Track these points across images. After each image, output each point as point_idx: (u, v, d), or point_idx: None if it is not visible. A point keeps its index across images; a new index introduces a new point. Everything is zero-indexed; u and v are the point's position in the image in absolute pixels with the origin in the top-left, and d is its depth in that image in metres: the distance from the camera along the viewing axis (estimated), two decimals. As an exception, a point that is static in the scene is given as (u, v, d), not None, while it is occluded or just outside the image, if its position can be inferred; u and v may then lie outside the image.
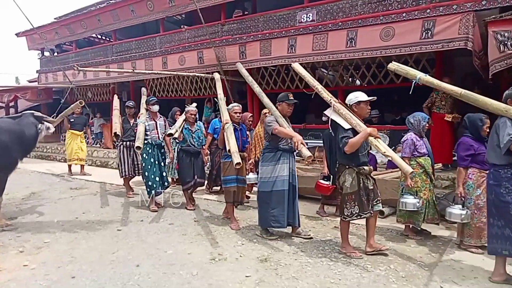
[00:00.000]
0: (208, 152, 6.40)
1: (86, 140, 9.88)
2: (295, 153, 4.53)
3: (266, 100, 4.81)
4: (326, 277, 3.44)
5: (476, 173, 4.04)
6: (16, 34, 14.44)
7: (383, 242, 4.31)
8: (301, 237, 4.53)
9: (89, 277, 3.47)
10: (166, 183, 6.14)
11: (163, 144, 6.08)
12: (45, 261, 3.85)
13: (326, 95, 4.25)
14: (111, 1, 11.47)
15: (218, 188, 6.80)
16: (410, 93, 3.95)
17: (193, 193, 6.12)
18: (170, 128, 5.78)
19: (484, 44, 5.66)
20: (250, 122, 6.41)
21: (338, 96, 8.14)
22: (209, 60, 9.05)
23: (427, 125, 4.64)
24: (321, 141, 5.73)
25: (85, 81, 12.52)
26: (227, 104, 5.22)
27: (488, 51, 5.13)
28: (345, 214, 3.87)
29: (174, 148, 6.63)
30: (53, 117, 5.80)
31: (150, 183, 5.85)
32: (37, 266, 3.72)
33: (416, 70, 3.88)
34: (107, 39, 14.39)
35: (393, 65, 4.01)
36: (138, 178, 7.07)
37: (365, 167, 3.87)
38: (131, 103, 6.97)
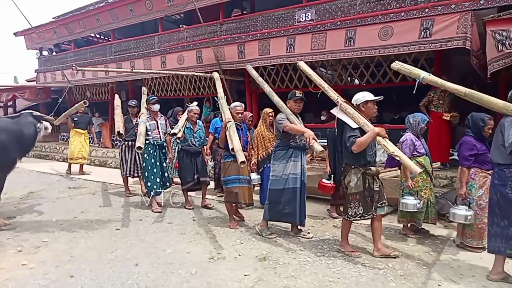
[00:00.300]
0: (209, 151, 6.36)
1: (90, 139, 9.85)
2: (306, 150, 4.52)
3: (276, 98, 4.74)
4: (324, 276, 3.45)
5: (478, 173, 4.01)
6: (14, 34, 14.39)
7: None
8: (300, 236, 4.54)
9: (88, 276, 3.47)
10: (168, 183, 6.08)
11: (165, 144, 6.01)
12: (43, 260, 3.85)
13: (333, 94, 4.24)
14: (109, 1, 11.46)
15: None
16: (414, 92, 3.94)
17: (205, 194, 6.04)
18: (173, 128, 5.74)
19: (482, 44, 5.67)
20: (250, 122, 6.41)
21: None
22: (208, 59, 9.05)
23: (425, 127, 4.64)
24: (323, 141, 5.70)
25: (84, 80, 12.50)
26: (227, 104, 5.20)
27: (486, 50, 5.13)
28: (349, 214, 3.85)
29: (175, 148, 6.63)
30: (51, 116, 5.78)
31: (149, 184, 5.78)
32: (36, 265, 3.72)
33: (420, 70, 3.86)
34: (106, 38, 14.37)
35: (396, 65, 3.99)
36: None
37: (372, 168, 3.83)
38: (133, 102, 6.87)
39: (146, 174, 5.80)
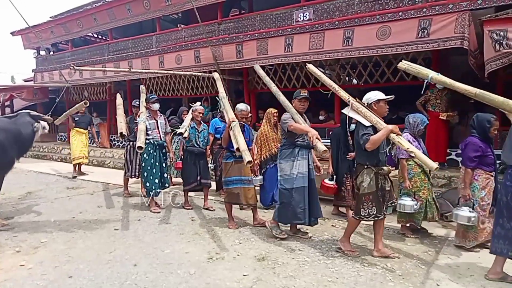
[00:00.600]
0: (209, 153, 6.32)
1: (90, 140, 9.83)
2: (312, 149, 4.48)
3: (282, 98, 4.70)
4: (323, 276, 3.45)
5: (482, 174, 3.98)
6: (11, 33, 14.34)
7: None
8: (298, 236, 4.54)
9: (86, 277, 3.46)
10: (166, 184, 6.02)
11: (165, 144, 5.96)
12: (42, 261, 3.84)
13: (343, 94, 4.21)
14: (107, 0, 11.43)
15: None
16: (422, 92, 3.91)
17: (207, 196, 6.01)
18: (179, 127, 5.68)
19: (479, 43, 5.68)
20: (249, 122, 6.39)
21: (335, 96, 8.18)
22: (206, 59, 9.04)
23: (424, 129, 4.63)
24: (326, 141, 5.67)
25: (81, 80, 12.47)
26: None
27: (483, 50, 5.15)
28: (362, 214, 3.80)
29: (177, 148, 6.61)
30: (49, 116, 5.76)
31: (148, 184, 5.72)
32: (34, 266, 3.71)
33: (428, 69, 3.81)
34: (103, 38, 14.33)
35: (404, 64, 3.96)
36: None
37: (384, 167, 3.81)
38: (137, 102, 6.70)
39: (146, 174, 5.74)
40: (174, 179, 7.47)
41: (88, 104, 7.17)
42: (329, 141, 5.49)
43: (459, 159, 7.00)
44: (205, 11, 8.85)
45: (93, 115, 13.32)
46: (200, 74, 9.14)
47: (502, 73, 6.38)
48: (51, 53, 13.97)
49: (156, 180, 5.74)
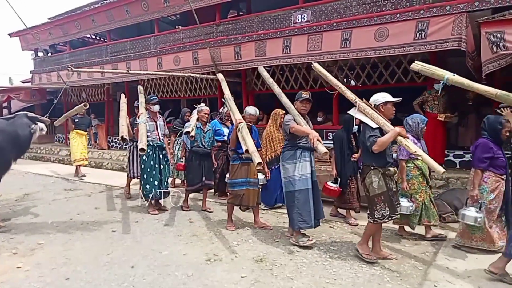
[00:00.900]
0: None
1: (89, 142, 9.79)
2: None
3: (284, 99, 4.67)
4: (321, 277, 3.45)
5: (491, 177, 3.95)
6: (9, 34, 14.33)
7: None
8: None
9: (83, 279, 3.45)
10: (167, 188, 5.87)
11: (164, 145, 5.91)
12: (39, 263, 3.82)
13: (350, 94, 4.17)
14: (105, 1, 11.43)
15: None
16: (438, 94, 3.86)
17: (206, 198, 5.98)
18: (187, 127, 5.62)
19: (477, 45, 5.71)
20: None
21: (333, 97, 8.19)
22: (204, 60, 9.04)
23: (425, 127, 4.60)
24: (329, 143, 5.64)
25: (79, 81, 12.45)
26: (221, 106, 5.16)
27: (481, 52, 5.17)
28: (376, 217, 3.74)
29: (180, 149, 6.57)
30: (46, 118, 5.74)
31: (148, 186, 5.67)
32: (31, 268, 3.69)
33: (444, 70, 3.75)
34: (102, 39, 14.33)
35: (417, 65, 3.90)
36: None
37: (390, 168, 3.79)
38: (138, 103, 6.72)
39: (145, 176, 5.68)
40: (177, 180, 7.46)
41: (88, 107, 7.12)
42: (328, 142, 5.46)
43: (457, 160, 7.04)
44: (203, 12, 8.86)
45: (91, 116, 13.32)
46: (198, 75, 9.15)
47: (499, 75, 6.40)
48: (49, 54, 13.96)
49: (156, 182, 5.68)
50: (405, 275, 3.50)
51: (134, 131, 5.85)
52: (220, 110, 6.75)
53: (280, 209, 5.87)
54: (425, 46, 6.13)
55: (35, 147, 13.58)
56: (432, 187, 4.86)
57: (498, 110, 4.85)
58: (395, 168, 3.95)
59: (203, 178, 5.71)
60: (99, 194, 7.27)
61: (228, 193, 6.63)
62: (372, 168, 3.78)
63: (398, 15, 6.40)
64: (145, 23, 11.22)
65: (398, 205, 3.94)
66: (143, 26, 12.10)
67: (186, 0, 8.31)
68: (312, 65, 4.83)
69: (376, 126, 3.70)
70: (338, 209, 5.54)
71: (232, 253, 4.06)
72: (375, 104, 3.88)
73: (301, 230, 4.32)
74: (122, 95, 6.30)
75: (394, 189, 3.84)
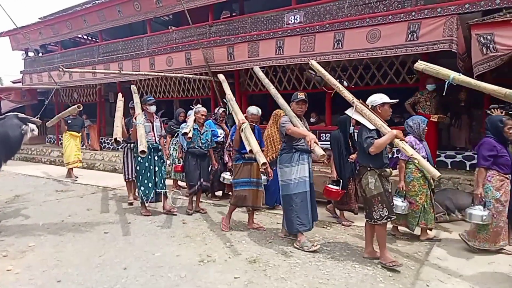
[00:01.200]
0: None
1: (82, 143, 9.66)
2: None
3: (281, 101, 4.61)
4: (314, 278, 3.46)
5: (495, 176, 3.95)
6: (-1, 34, 14.15)
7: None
8: (290, 238, 4.53)
9: (75, 281, 3.42)
10: (159, 189, 5.67)
11: (160, 147, 5.81)
12: (29, 265, 3.78)
13: (347, 94, 4.14)
14: (97, 1, 11.35)
15: (220, 193, 6.71)
16: (443, 94, 3.83)
17: (200, 199, 5.95)
18: (184, 128, 5.55)
19: (467, 47, 5.77)
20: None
21: (326, 97, 8.23)
22: (197, 61, 9.02)
23: (427, 127, 4.58)
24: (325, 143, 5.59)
25: (71, 82, 12.35)
26: (215, 107, 5.14)
27: (471, 54, 5.24)
28: (375, 218, 3.73)
29: (175, 149, 6.52)
30: (37, 118, 5.67)
31: (143, 188, 5.60)
32: (22, 271, 3.65)
33: (448, 70, 3.71)
34: (93, 39, 14.22)
35: (421, 65, 3.86)
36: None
37: (387, 170, 3.79)
38: (134, 104, 6.42)
39: (140, 178, 5.61)
40: (180, 182, 7.42)
41: (81, 108, 7.02)
42: (324, 143, 5.41)
43: (449, 160, 7.10)
44: (196, 13, 8.84)
45: (82, 117, 13.21)
46: (191, 76, 9.12)
47: (489, 76, 6.47)
48: (40, 54, 13.82)
49: (150, 184, 5.61)
50: (397, 274, 3.52)
51: (131, 131, 5.73)
52: (215, 111, 6.72)
53: (273, 210, 5.87)
54: (417, 48, 6.19)
55: (26, 148, 13.42)
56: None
57: (488, 111, 4.92)
58: (391, 169, 3.95)
59: (201, 180, 5.68)
60: (91, 196, 7.21)
61: (211, 196, 6.69)
62: (368, 169, 3.77)
63: (390, 17, 6.45)
64: (137, 23, 11.16)
65: (393, 205, 3.93)
66: (136, 27, 12.04)
67: (179, 0, 8.29)
68: (309, 63, 4.79)
69: (373, 127, 3.70)
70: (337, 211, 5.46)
71: (225, 254, 4.05)
72: (372, 105, 3.86)
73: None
74: (119, 95, 6.21)
75: (390, 190, 3.85)
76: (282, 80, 8.66)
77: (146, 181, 5.61)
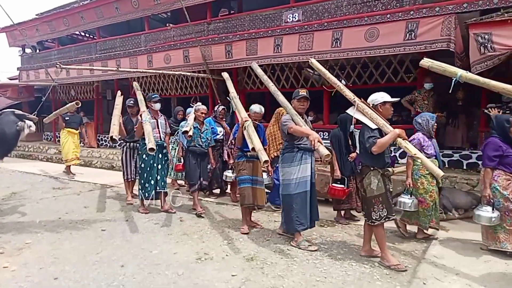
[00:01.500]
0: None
1: (80, 140, 9.58)
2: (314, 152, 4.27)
3: (281, 98, 4.53)
4: (312, 275, 3.47)
5: (501, 175, 3.92)
6: (-5, 30, 14.07)
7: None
8: (287, 236, 4.53)
9: (72, 278, 3.41)
10: (160, 188, 5.64)
11: (164, 144, 5.76)
12: (26, 263, 3.76)
13: (348, 93, 4.04)
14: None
15: (218, 190, 6.70)
16: (450, 92, 3.73)
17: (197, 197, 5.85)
18: (184, 126, 5.51)
19: (465, 46, 5.79)
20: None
21: (324, 96, 8.24)
22: (195, 59, 9.01)
23: (436, 124, 4.53)
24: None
25: (68, 79, 12.30)
26: (212, 105, 5.12)
27: (469, 53, 5.25)
28: (373, 218, 3.69)
29: (174, 148, 6.50)
30: (34, 115, 5.64)
31: (146, 185, 5.56)
32: (18, 268, 3.63)
33: (456, 68, 3.66)
34: (91, 36, 14.16)
35: (427, 62, 3.79)
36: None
37: (389, 169, 3.75)
38: (132, 102, 6.44)
39: (145, 175, 5.57)
40: (179, 181, 7.40)
41: (80, 105, 6.97)
42: (324, 142, 5.36)
43: (446, 159, 7.12)
44: (194, 10, 8.82)
45: (79, 114, 13.16)
46: (189, 74, 9.10)
47: (487, 76, 6.47)
48: (37, 51, 13.75)
49: (152, 182, 5.57)
50: (394, 273, 3.53)
51: (135, 129, 5.69)
52: (215, 109, 6.71)
53: (270, 208, 5.87)
54: (415, 47, 6.20)
55: (22, 145, 13.37)
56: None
57: (486, 111, 4.94)
58: (393, 169, 3.92)
59: (201, 179, 5.66)
60: (89, 193, 7.19)
61: (208, 194, 6.67)
62: (371, 169, 3.72)
63: (388, 16, 6.46)
64: (135, 20, 11.12)
65: (394, 205, 3.88)
66: (133, 24, 12.00)
67: (177, -3, 8.27)
68: (310, 62, 4.70)
69: (375, 127, 3.64)
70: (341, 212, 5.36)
71: (222, 252, 4.05)
72: (373, 104, 3.80)
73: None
74: (119, 93, 6.18)
75: (391, 189, 3.82)
76: (280, 78, 8.66)
77: (149, 179, 5.57)
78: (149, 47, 10.16)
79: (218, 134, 6.32)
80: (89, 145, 12.25)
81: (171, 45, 9.64)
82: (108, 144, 12.32)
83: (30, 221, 5.26)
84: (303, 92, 4.28)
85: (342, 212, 5.32)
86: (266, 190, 5.28)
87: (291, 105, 4.35)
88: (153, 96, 5.73)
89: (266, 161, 3.91)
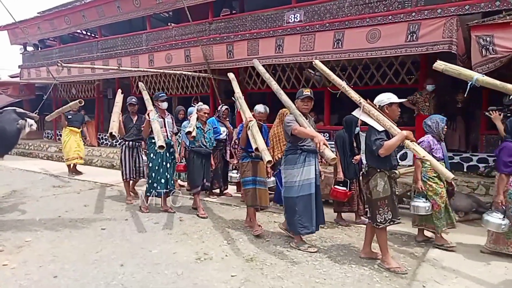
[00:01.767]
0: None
1: (83, 139, 9.54)
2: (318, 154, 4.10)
3: (284, 97, 4.44)
4: (311, 277, 3.46)
5: None
6: (-3, 28, 14.07)
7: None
8: (289, 235, 4.51)
9: (71, 277, 3.41)
10: (170, 187, 5.69)
11: (172, 143, 5.75)
12: (26, 261, 3.77)
13: (354, 94, 3.95)
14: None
15: (218, 190, 6.69)
16: (465, 95, 3.64)
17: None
18: (187, 127, 5.48)
19: (467, 48, 5.77)
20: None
21: (325, 97, 8.24)
22: (196, 58, 9.00)
23: (446, 127, 4.44)
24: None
25: (69, 77, 12.31)
26: (214, 104, 5.12)
27: (471, 55, 5.24)
28: (378, 220, 3.64)
29: (178, 148, 6.53)
30: (35, 113, 5.64)
31: (155, 184, 5.54)
32: (18, 266, 3.64)
33: (471, 71, 3.54)
34: (92, 35, 14.17)
35: (441, 65, 3.70)
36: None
37: (396, 171, 3.70)
38: (134, 100, 6.42)
39: (153, 174, 5.54)
40: (180, 182, 7.40)
41: (83, 103, 6.95)
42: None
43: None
44: (196, 10, 8.82)
45: (80, 112, 13.16)
46: (190, 73, 9.10)
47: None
48: (39, 49, 13.76)
49: (163, 180, 5.55)
50: (394, 275, 3.52)
51: (142, 128, 5.67)
52: (219, 108, 6.70)
53: (270, 209, 5.86)
54: (416, 48, 6.19)
55: (23, 143, 13.37)
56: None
57: (486, 113, 4.92)
58: (400, 171, 3.86)
59: (204, 180, 5.63)
60: (89, 192, 7.19)
61: (209, 194, 6.66)
62: (378, 171, 3.65)
63: (390, 17, 6.45)
64: (137, 19, 11.11)
65: (399, 208, 3.83)
66: (135, 23, 11.99)
67: (179, -3, 8.27)
68: (313, 63, 4.64)
69: (382, 128, 3.57)
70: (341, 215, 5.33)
71: (222, 252, 4.05)
72: (379, 105, 3.71)
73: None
74: (119, 91, 6.16)
75: (397, 192, 3.77)
76: (281, 79, 8.65)
77: (159, 178, 5.54)
78: (151, 46, 10.16)
79: (221, 134, 6.32)
80: (90, 143, 12.26)
81: (172, 44, 9.64)
82: (109, 143, 12.33)
83: (30, 219, 5.26)
84: (307, 92, 4.18)
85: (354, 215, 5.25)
86: (270, 192, 5.27)
87: (295, 105, 4.27)
88: (160, 95, 5.70)
89: (269, 161, 3.86)
